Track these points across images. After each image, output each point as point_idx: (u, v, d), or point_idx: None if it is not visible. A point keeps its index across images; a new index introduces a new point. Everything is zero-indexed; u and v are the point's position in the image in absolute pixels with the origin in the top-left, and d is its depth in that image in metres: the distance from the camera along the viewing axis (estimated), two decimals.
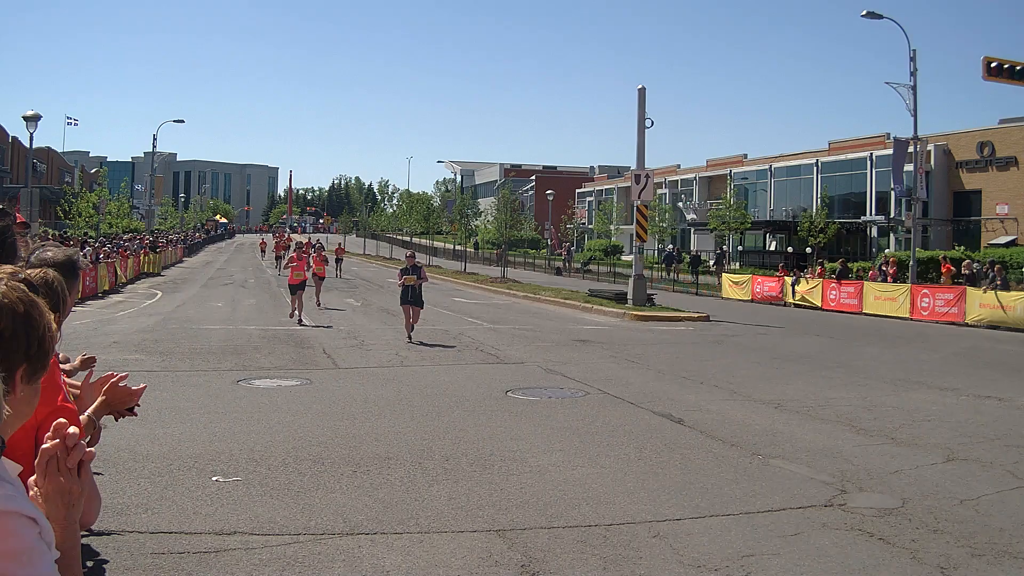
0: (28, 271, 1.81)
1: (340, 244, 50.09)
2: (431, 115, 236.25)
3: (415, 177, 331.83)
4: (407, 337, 15.38)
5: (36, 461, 1.54)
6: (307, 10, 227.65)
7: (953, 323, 22.55)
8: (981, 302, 22.22)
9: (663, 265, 44.16)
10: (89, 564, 4.33)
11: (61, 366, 3.15)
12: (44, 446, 1.53)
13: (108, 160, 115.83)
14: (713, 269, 40.94)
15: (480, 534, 5.14)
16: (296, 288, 19.16)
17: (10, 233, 2.65)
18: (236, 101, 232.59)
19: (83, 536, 4.46)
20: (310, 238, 54.05)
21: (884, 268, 29.26)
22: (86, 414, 2.74)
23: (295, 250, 21.39)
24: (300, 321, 18.38)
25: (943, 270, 27.75)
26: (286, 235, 59.98)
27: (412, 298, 15.56)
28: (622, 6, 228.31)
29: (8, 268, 1.61)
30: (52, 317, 1.58)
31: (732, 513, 5.65)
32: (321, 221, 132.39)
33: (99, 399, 2.79)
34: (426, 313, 22.52)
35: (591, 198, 72.68)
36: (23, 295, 1.52)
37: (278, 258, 43.38)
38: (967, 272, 26.32)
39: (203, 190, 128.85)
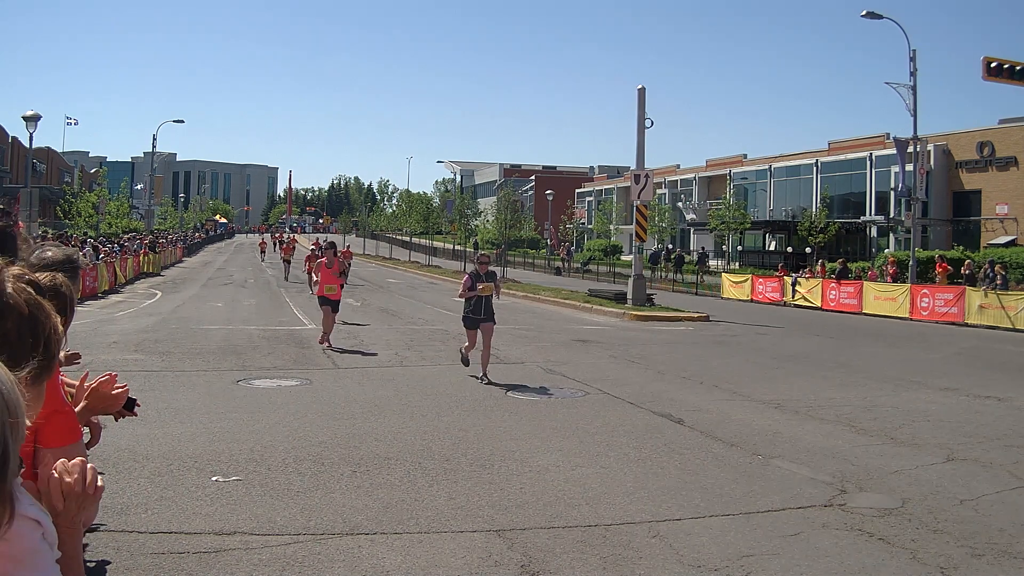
0: (38, 274, 1.82)
1: (347, 246, 47.52)
2: (431, 115, 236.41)
3: (415, 177, 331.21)
4: (481, 375, 11.12)
5: (49, 480, 1.55)
6: (307, 10, 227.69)
7: (953, 323, 22.56)
8: (981, 302, 22.24)
9: (650, 264, 44.26)
10: (90, 564, 4.33)
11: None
12: (61, 476, 1.54)
13: (108, 160, 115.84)
14: (696, 268, 41.14)
15: (480, 534, 5.14)
16: (330, 303, 14.65)
17: (11, 232, 2.64)
18: (236, 101, 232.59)
19: (84, 534, 4.47)
20: (317, 239, 52.09)
21: (884, 268, 29.29)
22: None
23: (327, 249, 15.68)
24: (330, 344, 14.27)
25: (938, 269, 27.78)
26: (290, 236, 58.05)
27: (486, 314, 11.42)
28: (622, 6, 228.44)
29: (15, 270, 1.61)
30: (58, 320, 1.58)
31: (732, 513, 5.65)
32: (321, 221, 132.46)
33: (81, 403, 2.79)
34: (426, 313, 22.58)
35: (591, 198, 72.74)
36: (29, 297, 1.52)
37: (286, 262, 37.67)
38: (967, 272, 26.35)
39: (203, 190, 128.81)
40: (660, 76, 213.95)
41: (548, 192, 64.74)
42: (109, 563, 4.44)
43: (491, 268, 12.27)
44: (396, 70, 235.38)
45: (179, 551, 4.66)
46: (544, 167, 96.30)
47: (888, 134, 41.61)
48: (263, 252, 55.45)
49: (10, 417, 1.26)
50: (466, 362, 11.73)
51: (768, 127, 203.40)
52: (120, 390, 2.88)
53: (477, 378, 11.10)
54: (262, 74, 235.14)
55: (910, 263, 27.79)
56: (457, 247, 61.86)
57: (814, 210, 42.07)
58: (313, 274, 15.12)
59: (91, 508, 1.57)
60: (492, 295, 11.55)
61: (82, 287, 21.45)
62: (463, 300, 11.62)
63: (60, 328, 1.58)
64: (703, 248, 48.86)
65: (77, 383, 2.93)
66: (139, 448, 6.81)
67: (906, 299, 24.63)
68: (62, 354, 3.83)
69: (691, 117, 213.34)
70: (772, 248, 49.28)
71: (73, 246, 18.28)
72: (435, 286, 36.15)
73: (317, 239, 50.18)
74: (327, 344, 14.15)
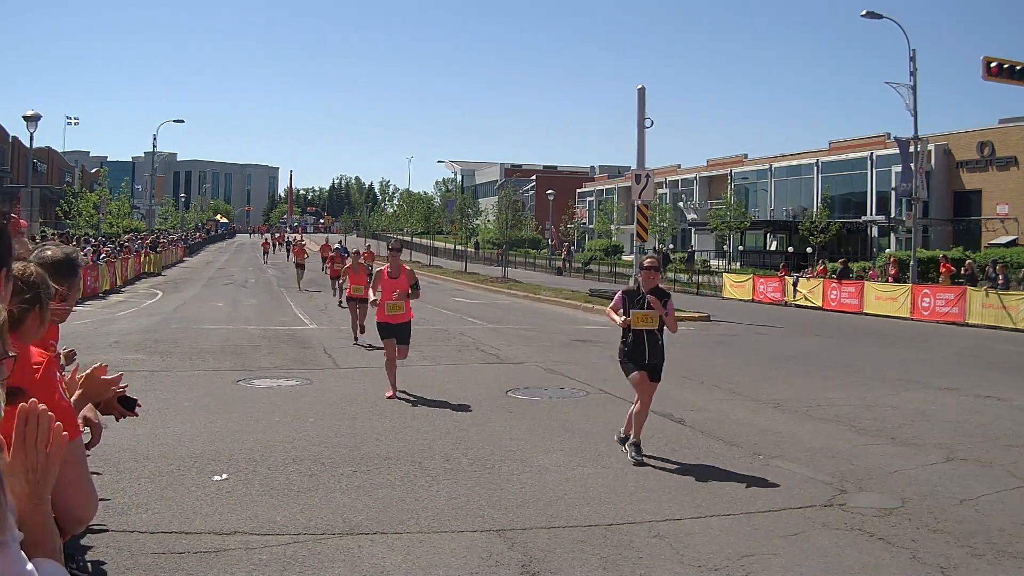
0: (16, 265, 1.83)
1: (368, 247, 43.80)
2: (431, 115, 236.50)
3: (415, 177, 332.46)
4: (628, 443, 7.14)
5: (14, 434, 1.59)
6: (307, 10, 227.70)
7: (954, 323, 22.54)
8: (982, 302, 22.22)
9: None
10: (89, 564, 4.33)
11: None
12: (17, 421, 1.58)
13: (108, 160, 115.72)
14: (684, 266, 41.47)
15: (480, 534, 5.14)
16: (394, 331, 10.13)
17: (5, 232, 2.65)
18: (236, 101, 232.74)
19: (83, 534, 4.47)
20: (327, 240, 50.92)
21: (885, 268, 29.28)
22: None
23: (393, 252, 10.77)
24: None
25: (942, 270, 27.76)
26: (298, 237, 56.83)
27: (652, 355, 7.22)
28: (622, 6, 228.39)
29: None
30: None
31: (732, 513, 5.65)
32: (322, 221, 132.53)
33: (76, 392, 2.80)
34: (426, 312, 22.47)
35: (591, 198, 72.74)
36: None
37: (300, 267, 32.70)
38: (967, 272, 26.33)
39: (203, 190, 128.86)
40: (660, 76, 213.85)
41: (549, 192, 64.74)
42: (108, 563, 4.44)
43: (661, 283, 7.71)
44: (396, 70, 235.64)
45: (179, 551, 4.66)
46: (545, 167, 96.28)
47: (889, 134, 41.58)
48: (266, 253, 54.79)
49: None
50: (625, 439, 7.23)
51: (768, 127, 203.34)
52: (112, 377, 2.89)
53: (630, 456, 6.98)
54: (262, 74, 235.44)
55: (911, 263, 27.78)
56: (458, 247, 61.89)
57: (815, 210, 42.07)
58: (374, 288, 10.25)
59: (42, 483, 1.59)
60: (658, 327, 7.18)
61: (83, 287, 21.47)
62: (623, 325, 7.23)
63: None
64: (691, 248, 49.08)
65: (69, 378, 2.94)
66: (139, 448, 6.82)
67: (907, 299, 24.61)
68: (61, 352, 3.84)
69: (691, 117, 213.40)
70: (773, 248, 49.26)
71: (73, 246, 18.12)
72: (436, 286, 36.14)
73: (326, 240, 49.13)
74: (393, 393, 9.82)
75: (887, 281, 27.70)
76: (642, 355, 7.17)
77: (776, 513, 5.67)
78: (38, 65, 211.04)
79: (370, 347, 13.90)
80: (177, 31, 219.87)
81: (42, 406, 1.59)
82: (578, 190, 74.53)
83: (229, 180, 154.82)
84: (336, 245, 32.68)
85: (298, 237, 51.58)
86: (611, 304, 7.55)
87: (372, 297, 10.14)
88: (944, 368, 13.75)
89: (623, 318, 7.18)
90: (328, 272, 26.58)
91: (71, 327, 13.30)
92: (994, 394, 10.90)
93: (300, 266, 32.77)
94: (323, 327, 17.76)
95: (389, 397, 9.69)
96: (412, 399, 9.73)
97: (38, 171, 55.61)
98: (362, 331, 14.98)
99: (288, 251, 54.99)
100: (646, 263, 7.45)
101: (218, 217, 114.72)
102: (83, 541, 4.52)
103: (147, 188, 64.72)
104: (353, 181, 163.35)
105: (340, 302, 22.44)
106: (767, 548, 4.97)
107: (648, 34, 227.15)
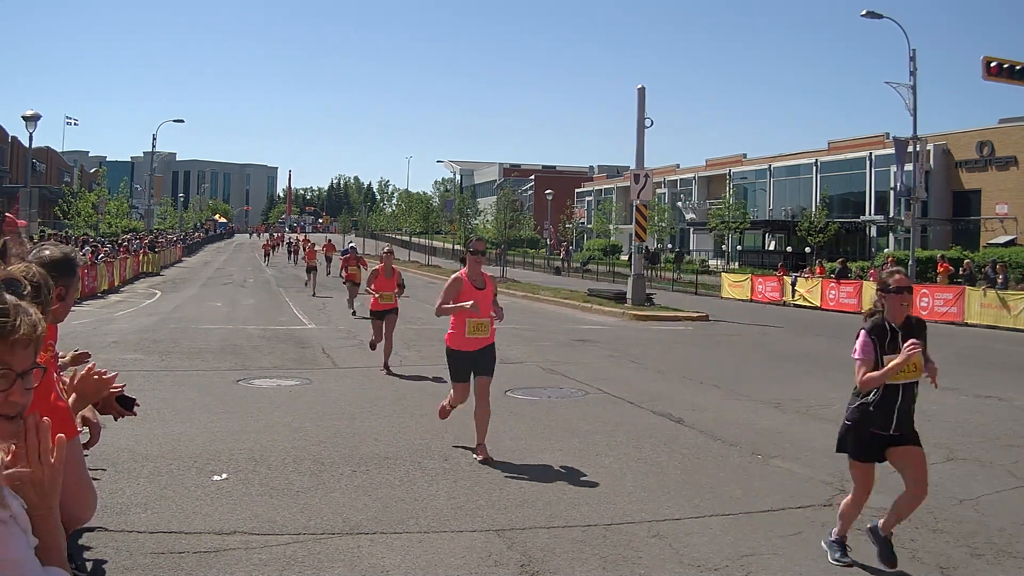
0: (13, 267, 1.83)
1: (352, 244, 40.83)
2: (431, 115, 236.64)
3: (414, 177, 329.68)
4: (837, 557, 4.82)
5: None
6: (307, 10, 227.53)
7: (953, 323, 22.55)
8: (981, 302, 22.23)
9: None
10: (89, 564, 4.32)
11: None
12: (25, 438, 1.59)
13: (107, 160, 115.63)
14: (673, 265, 41.74)
15: (480, 534, 5.13)
16: (472, 363, 7.40)
17: None
18: (236, 101, 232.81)
19: (81, 534, 4.46)
20: (329, 239, 50.11)
21: (884, 268, 29.30)
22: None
23: (472, 255, 7.96)
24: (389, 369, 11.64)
25: (939, 269, 27.77)
26: (304, 237, 55.88)
27: (901, 425, 4.77)
28: (622, 6, 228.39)
29: None
30: (30, 317, 1.60)
31: (732, 513, 5.64)
32: (320, 221, 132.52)
33: (71, 395, 2.79)
34: (425, 312, 22.43)
35: (590, 198, 72.77)
36: None
37: (312, 270, 29.81)
38: (965, 272, 26.35)
39: (202, 190, 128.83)
40: (660, 76, 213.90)
41: (548, 192, 64.74)
42: (108, 562, 4.43)
43: (915, 317, 5.04)
44: (396, 70, 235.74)
45: (179, 551, 4.66)
46: (544, 167, 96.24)
47: (888, 134, 41.60)
48: (267, 256, 54.02)
49: None
50: (889, 557, 4.72)
51: (767, 127, 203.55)
52: (107, 376, 2.88)
53: (832, 559, 4.84)
54: (262, 74, 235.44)
55: (909, 263, 27.79)
56: (456, 247, 61.85)
57: (814, 210, 42.08)
58: (448, 301, 7.56)
59: (50, 493, 1.60)
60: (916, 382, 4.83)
61: (81, 287, 21.45)
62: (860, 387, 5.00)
63: (35, 323, 1.60)
64: (676, 249, 49.27)
65: (69, 380, 2.93)
66: (139, 448, 6.81)
67: None
68: (69, 354, 3.82)
69: (691, 117, 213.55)
70: (772, 248, 49.28)
71: (72, 246, 18.09)
72: (434, 286, 36.08)
73: (328, 240, 48.18)
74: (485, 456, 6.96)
75: None
76: (888, 419, 4.76)
77: (776, 513, 5.67)
78: (38, 65, 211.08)
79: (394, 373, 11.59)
80: (177, 31, 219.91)
81: (45, 420, 1.59)
82: (577, 190, 74.55)
83: (228, 180, 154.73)
84: (349, 244, 31.08)
85: (303, 237, 49.80)
86: (858, 355, 4.93)
87: (465, 304, 7.24)
88: (944, 368, 13.61)
89: (882, 370, 4.68)
90: (343, 276, 23.28)
91: (70, 327, 13.29)
92: (994, 394, 10.90)
93: (312, 269, 29.87)
94: (321, 327, 17.76)
95: (483, 460, 6.86)
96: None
97: (37, 171, 55.55)
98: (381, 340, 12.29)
99: (289, 252, 54.55)
100: (894, 283, 4.72)
101: (217, 217, 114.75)
102: (82, 541, 4.52)
103: (146, 188, 64.60)
104: (352, 181, 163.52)
105: (354, 311, 20.36)
106: (767, 548, 4.97)
107: (648, 34, 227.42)
